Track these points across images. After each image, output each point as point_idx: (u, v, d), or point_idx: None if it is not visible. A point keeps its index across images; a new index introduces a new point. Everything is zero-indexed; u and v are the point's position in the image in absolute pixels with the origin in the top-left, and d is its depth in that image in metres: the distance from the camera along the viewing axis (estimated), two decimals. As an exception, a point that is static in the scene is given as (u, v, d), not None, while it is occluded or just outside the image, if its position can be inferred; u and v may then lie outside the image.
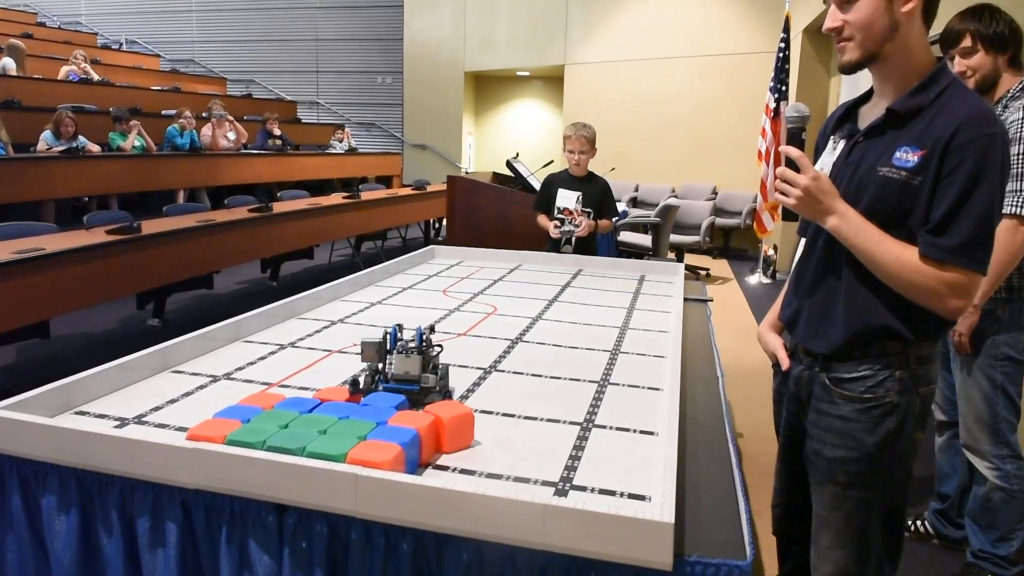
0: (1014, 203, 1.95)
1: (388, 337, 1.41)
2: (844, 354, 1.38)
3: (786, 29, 6.85)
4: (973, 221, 1.22)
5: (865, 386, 1.36)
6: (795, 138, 1.41)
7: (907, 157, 1.28)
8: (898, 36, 1.29)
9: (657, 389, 1.59)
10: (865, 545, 1.39)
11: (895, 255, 1.27)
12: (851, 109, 1.47)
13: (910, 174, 1.27)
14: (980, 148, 1.21)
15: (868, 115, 1.41)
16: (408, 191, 7.94)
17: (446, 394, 1.44)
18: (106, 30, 13.47)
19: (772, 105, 6.78)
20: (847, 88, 6.30)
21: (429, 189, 8.03)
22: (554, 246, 3.40)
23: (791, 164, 1.33)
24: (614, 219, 3.63)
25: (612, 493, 1.10)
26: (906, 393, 1.34)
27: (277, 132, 9.22)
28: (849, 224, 1.31)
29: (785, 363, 1.54)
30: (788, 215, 1.43)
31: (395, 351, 1.39)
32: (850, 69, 1.35)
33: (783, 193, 1.34)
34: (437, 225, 9.20)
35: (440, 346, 1.45)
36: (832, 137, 1.47)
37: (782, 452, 1.63)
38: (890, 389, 1.34)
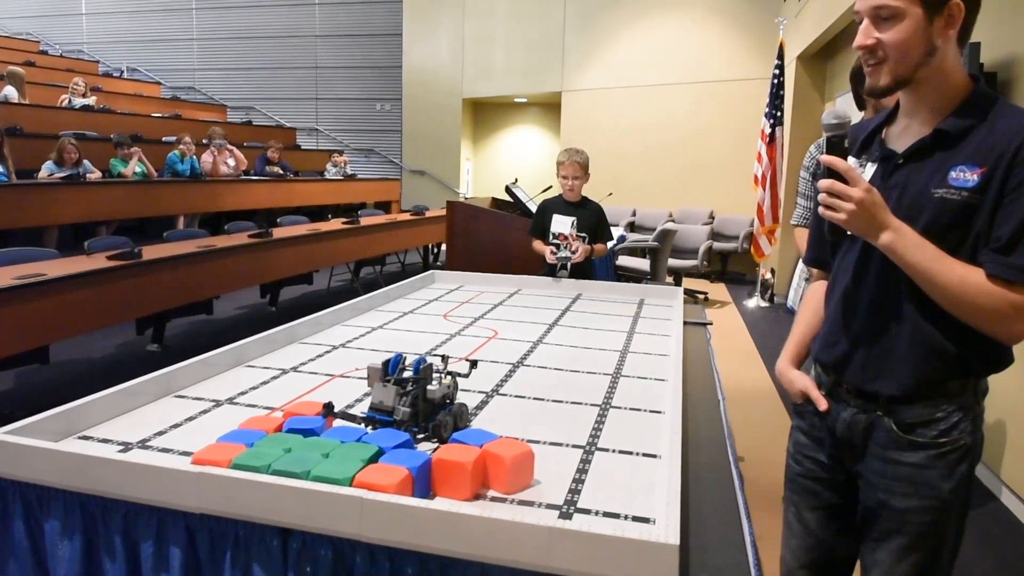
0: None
1: (387, 365, 1.41)
2: (913, 396, 1.28)
3: (780, 56, 6.97)
4: None
5: (938, 430, 1.27)
6: (836, 147, 1.27)
7: (966, 176, 1.20)
8: (933, 60, 1.22)
9: (659, 412, 1.59)
10: None
11: (958, 275, 1.18)
12: (874, 132, 1.38)
13: (971, 193, 1.19)
14: None
15: (899, 137, 1.33)
16: (407, 216, 7.99)
17: (454, 427, 1.36)
18: (107, 58, 13.61)
19: (768, 131, 6.86)
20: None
21: (427, 214, 8.08)
22: (549, 271, 3.42)
23: (833, 174, 1.22)
24: (608, 243, 3.66)
25: (617, 516, 1.10)
26: (975, 432, 1.28)
27: (277, 158, 9.29)
28: (905, 240, 1.20)
29: (823, 404, 1.43)
30: (835, 231, 1.33)
31: (387, 381, 1.36)
32: (880, 93, 1.26)
33: (831, 208, 1.23)
34: (436, 250, 9.24)
35: (450, 374, 1.40)
36: (856, 160, 1.37)
37: (810, 500, 1.48)
38: (964, 431, 1.27)
